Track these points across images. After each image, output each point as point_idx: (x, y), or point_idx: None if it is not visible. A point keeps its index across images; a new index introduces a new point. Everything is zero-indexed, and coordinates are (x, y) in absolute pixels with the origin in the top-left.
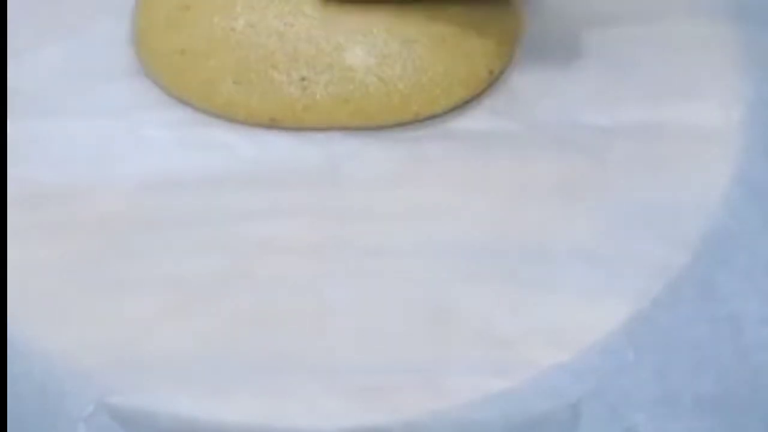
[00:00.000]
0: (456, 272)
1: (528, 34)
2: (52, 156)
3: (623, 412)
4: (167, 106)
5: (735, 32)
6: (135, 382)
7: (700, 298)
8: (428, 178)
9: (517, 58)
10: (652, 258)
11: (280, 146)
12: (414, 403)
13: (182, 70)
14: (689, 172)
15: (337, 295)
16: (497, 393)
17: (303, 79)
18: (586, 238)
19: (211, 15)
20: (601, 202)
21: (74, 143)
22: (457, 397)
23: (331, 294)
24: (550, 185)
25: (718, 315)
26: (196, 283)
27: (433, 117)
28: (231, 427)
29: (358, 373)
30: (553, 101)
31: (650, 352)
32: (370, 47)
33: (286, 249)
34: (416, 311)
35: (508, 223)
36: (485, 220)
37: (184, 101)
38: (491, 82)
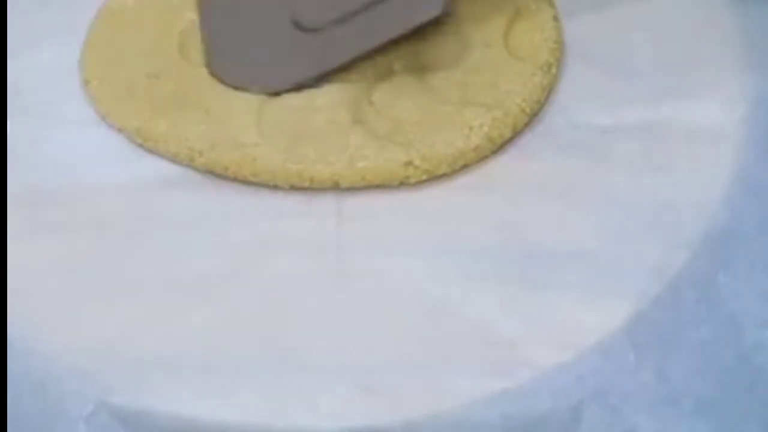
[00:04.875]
0: (456, 272)
1: None
2: (52, 156)
3: (624, 413)
4: None
5: (736, 32)
6: (135, 382)
7: (700, 299)
8: (428, 178)
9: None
10: (653, 258)
11: None
12: (414, 403)
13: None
14: (690, 172)
15: (338, 295)
16: (497, 393)
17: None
18: (586, 238)
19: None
20: (602, 203)
21: (74, 143)
22: (457, 397)
23: (331, 294)
24: (551, 185)
25: (718, 316)
26: (196, 283)
27: None
28: (231, 427)
29: (358, 373)
30: (553, 101)
31: (651, 352)
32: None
33: (286, 249)
34: (416, 311)
35: (509, 223)
36: (485, 220)
37: None
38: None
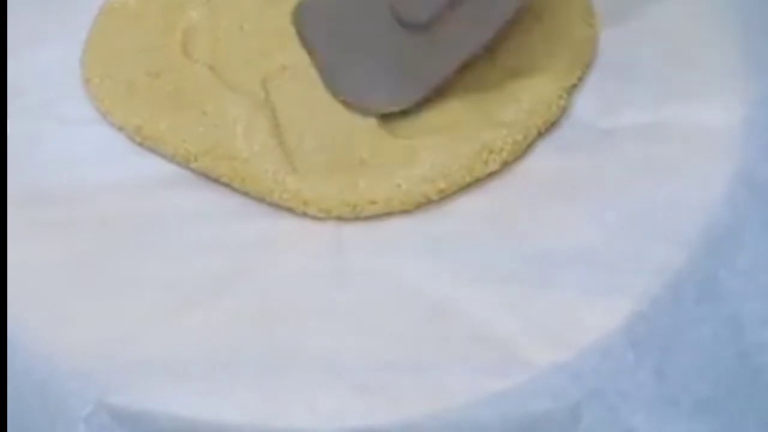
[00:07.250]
0: (455, 272)
1: None
2: (52, 156)
3: (623, 412)
4: None
5: (737, 32)
6: (135, 382)
7: (700, 299)
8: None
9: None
10: (653, 258)
11: None
12: (414, 403)
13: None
14: (690, 171)
15: (337, 295)
16: (497, 393)
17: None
18: (586, 238)
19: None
20: (602, 202)
21: (74, 142)
22: (456, 397)
23: (331, 294)
24: (551, 185)
25: (718, 315)
26: (196, 283)
27: None
28: (230, 427)
29: (357, 373)
30: None
31: (650, 352)
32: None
33: (286, 249)
34: (416, 311)
35: (508, 223)
36: (485, 220)
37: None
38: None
